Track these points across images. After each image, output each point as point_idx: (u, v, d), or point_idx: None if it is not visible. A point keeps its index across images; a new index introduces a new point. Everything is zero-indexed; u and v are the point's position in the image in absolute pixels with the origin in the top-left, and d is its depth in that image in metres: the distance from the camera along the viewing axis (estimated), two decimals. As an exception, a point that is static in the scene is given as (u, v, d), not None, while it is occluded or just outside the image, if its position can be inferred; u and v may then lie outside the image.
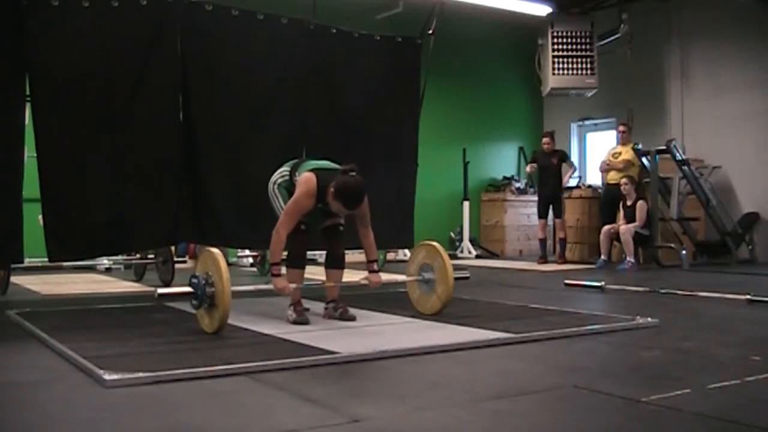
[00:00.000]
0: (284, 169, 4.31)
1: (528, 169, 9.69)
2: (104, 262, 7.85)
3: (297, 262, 4.12)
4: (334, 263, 4.32)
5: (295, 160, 4.42)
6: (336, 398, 2.56)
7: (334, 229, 4.26)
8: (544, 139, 9.35)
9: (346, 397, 2.57)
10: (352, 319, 4.18)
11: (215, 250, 3.78)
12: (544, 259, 9.12)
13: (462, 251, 10.45)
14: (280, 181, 4.28)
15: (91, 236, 4.97)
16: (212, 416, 2.34)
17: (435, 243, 4.52)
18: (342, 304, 4.26)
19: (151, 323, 4.13)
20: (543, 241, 9.28)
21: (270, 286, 4.02)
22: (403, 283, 4.87)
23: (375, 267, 4.32)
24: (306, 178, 4.06)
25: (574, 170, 9.50)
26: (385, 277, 4.52)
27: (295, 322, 4.00)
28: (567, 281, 6.43)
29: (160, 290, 3.79)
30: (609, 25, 10.06)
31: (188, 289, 3.72)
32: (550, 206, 9.13)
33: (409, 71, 6.18)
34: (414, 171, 6.19)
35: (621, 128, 9.19)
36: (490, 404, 2.47)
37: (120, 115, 4.96)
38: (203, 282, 3.66)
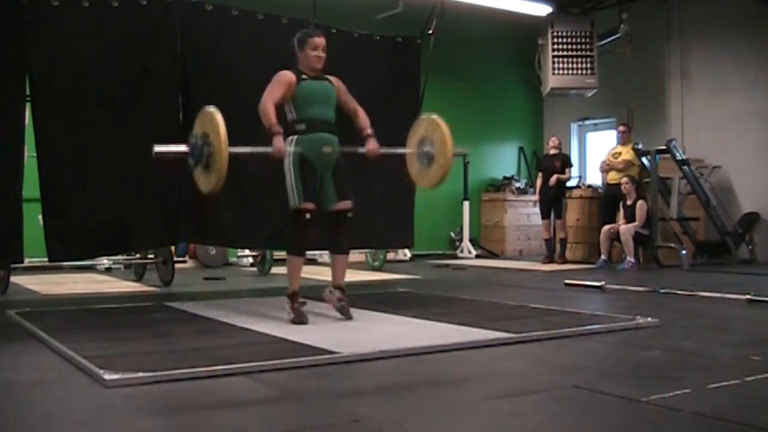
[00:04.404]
0: (289, 138, 4.18)
1: (535, 197, 9.56)
2: (104, 262, 7.85)
3: (297, 249, 4.08)
4: (338, 247, 4.26)
5: None
6: (336, 398, 2.56)
7: (342, 215, 4.18)
8: (553, 138, 9.37)
9: (346, 397, 2.57)
10: (350, 318, 4.16)
11: (214, 109, 3.69)
12: (549, 259, 9.09)
13: (462, 251, 10.45)
14: (292, 152, 4.12)
15: (91, 236, 4.97)
16: (212, 415, 2.34)
17: (435, 116, 4.39)
18: (346, 300, 4.22)
19: (151, 323, 4.13)
20: (548, 241, 9.27)
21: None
22: (402, 283, 4.86)
23: (369, 132, 4.29)
24: None
25: (570, 178, 9.45)
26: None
27: (293, 322, 3.98)
28: (567, 281, 6.43)
29: (157, 147, 3.74)
30: (609, 25, 10.06)
31: (185, 148, 3.69)
32: (552, 207, 9.13)
33: (409, 71, 6.18)
34: (414, 171, 6.19)
35: (621, 128, 9.18)
36: (490, 404, 2.47)
37: (120, 114, 4.97)
38: (201, 142, 3.63)
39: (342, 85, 4.34)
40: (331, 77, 4.31)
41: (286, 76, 4.14)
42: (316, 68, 4.21)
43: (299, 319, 3.99)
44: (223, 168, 3.53)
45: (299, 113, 4.13)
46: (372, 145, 4.25)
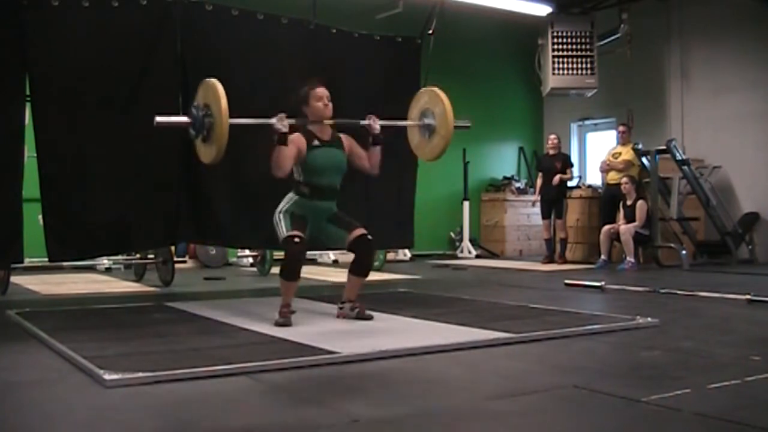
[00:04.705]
0: (289, 195, 4.21)
1: (535, 197, 9.59)
2: (104, 262, 7.85)
3: (290, 275, 4.03)
4: (360, 271, 4.24)
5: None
6: (336, 398, 2.56)
7: (363, 238, 4.16)
8: (552, 136, 9.36)
9: (346, 397, 2.57)
10: (369, 318, 4.14)
11: (215, 81, 3.68)
12: (549, 259, 9.10)
13: (462, 251, 10.45)
14: (285, 207, 4.15)
15: (91, 236, 4.97)
16: (212, 416, 2.34)
17: (436, 89, 4.39)
18: (359, 303, 4.21)
19: (151, 323, 4.13)
20: (548, 241, 9.28)
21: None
22: (402, 283, 4.86)
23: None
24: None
25: (571, 178, 9.46)
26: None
27: (276, 324, 3.91)
28: (567, 281, 6.43)
29: (159, 118, 3.75)
30: (609, 25, 10.06)
31: (186, 119, 3.73)
32: (553, 207, 9.13)
33: (409, 71, 6.18)
34: (414, 171, 6.19)
35: (621, 128, 9.19)
36: (490, 404, 2.47)
37: (120, 114, 4.97)
38: (202, 113, 3.63)
39: (353, 143, 4.26)
40: (342, 138, 4.24)
41: (297, 137, 4.06)
42: (326, 117, 4.15)
43: (283, 321, 3.92)
44: (224, 139, 3.54)
45: (306, 178, 4.11)
46: (372, 118, 4.24)
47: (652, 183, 8.68)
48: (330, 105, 4.16)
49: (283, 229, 4.05)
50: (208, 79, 3.78)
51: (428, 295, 5.65)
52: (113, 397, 2.54)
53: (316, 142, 4.10)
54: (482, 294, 5.64)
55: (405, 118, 6.17)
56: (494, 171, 11.68)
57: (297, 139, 4.06)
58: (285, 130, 3.93)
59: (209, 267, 8.61)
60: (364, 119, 4.26)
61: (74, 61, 4.82)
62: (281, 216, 4.11)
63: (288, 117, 3.98)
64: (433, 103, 4.36)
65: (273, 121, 3.92)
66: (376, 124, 4.23)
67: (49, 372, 2.98)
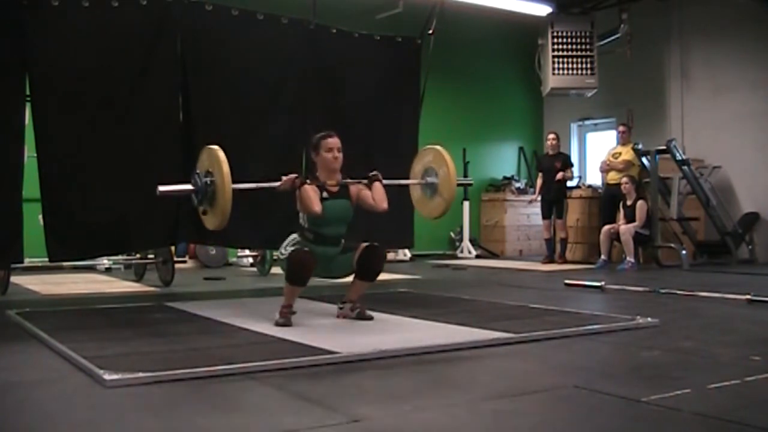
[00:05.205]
0: (293, 236, 4.16)
1: (533, 197, 9.64)
2: (104, 262, 7.85)
3: (296, 279, 4.00)
4: (368, 275, 4.21)
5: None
6: (336, 398, 2.55)
7: (369, 246, 4.16)
8: (550, 136, 9.37)
9: (346, 397, 2.57)
10: (370, 318, 4.14)
11: (217, 147, 3.69)
12: (549, 259, 9.10)
13: (462, 251, 10.45)
14: (291, 245, 4.11)
15: (91, 236, 4.97)
16: (212, 416, 2.34)
17: (440, 148, 4.38)
18: (359, 304, 4.20)
19: (151, 323, 4.13)
20: (548, 241, 9.28)
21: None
22: (402, 283, 4.85)
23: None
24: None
25: (571, 178, 9.46)
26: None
27: (277, 324, 3.90)
28: (567, 281, 6.43)
29: (161, 187, 3.77)
30: (609, 25, 10.06)
31: (190, 186, 3.77)
32: (553, 207, 9.13)
33: (409, 71, 6.18)
34: (414, 171, 6.19)
35: (621, 128, 9.19)
36: (490, 404, 2.47)
37: (120, 114, 4.97)
38: (204, 180, 3.65)
39: (361, 190, 4.21)
40: (351, 188, 4.19)
41: (313, 187, 4.04)
42: (335, 168, 4.12)
43: (283, 321, 3.92)
44: (227, 205, 3.56)
45: (312, 227, 4.09)
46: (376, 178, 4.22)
47: (652, 183, 8.68)
48: (340, 156, 4.12)
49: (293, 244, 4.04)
50: (210, 146, 3.79)
51: (428, 295, 5.65)
52: (113, 397, 2.54)
53: (325, 194, 4.08)
54: (482, 294, 5.64)
55: (404, 118, 6.22)
56: (494, 171, 11.68)
57: (313, 188, 4.05)
58: (294, 175, 3.95)
59: (209, 267, 8.61)
60: (368, 175, 4.22)
61: (74, 61, 4.82)
62: (288, 249, 4.07)
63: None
64: (438, 164, 4.38)
65: (276, 184, 3.94)
66: (380, 182, 4.21)
67: (49, 372, 2.98)
